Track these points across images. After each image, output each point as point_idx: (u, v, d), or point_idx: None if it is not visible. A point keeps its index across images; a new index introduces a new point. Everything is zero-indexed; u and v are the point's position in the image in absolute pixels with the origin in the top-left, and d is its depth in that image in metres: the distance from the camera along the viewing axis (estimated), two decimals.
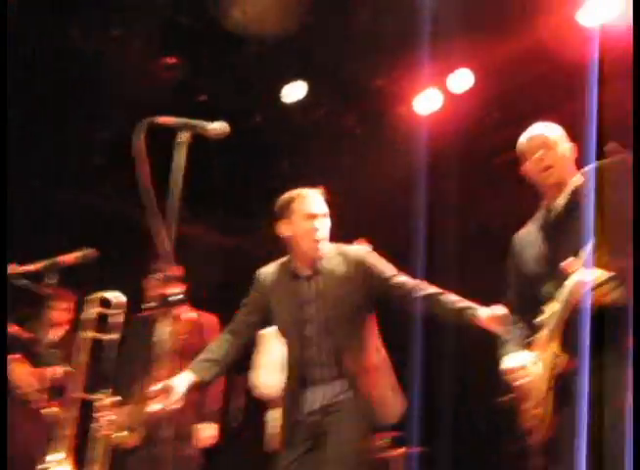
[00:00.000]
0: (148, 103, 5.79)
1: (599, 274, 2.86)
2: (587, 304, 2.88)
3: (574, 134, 3.47)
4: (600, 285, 2.87)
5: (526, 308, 3.31)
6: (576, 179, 3.28)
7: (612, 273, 2.72)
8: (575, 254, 3.05)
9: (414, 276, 3.78)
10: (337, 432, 3.54)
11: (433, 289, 3.65)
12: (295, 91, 6.77)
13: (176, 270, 5.22)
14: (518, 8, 5.68)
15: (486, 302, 3.46)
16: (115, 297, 4.40)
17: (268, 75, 6.56)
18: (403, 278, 3.73)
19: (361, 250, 3.86)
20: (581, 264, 2.94)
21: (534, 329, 3.24)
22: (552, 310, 3.13)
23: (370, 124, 7.20)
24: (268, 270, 3.91)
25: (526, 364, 3.21)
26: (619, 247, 1.25)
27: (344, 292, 3.65)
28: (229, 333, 3.92)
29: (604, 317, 2.91)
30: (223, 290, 7.12)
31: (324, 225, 3.73)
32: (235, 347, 3.87)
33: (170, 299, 2.82)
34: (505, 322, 3.31)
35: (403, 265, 3.85)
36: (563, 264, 3.04)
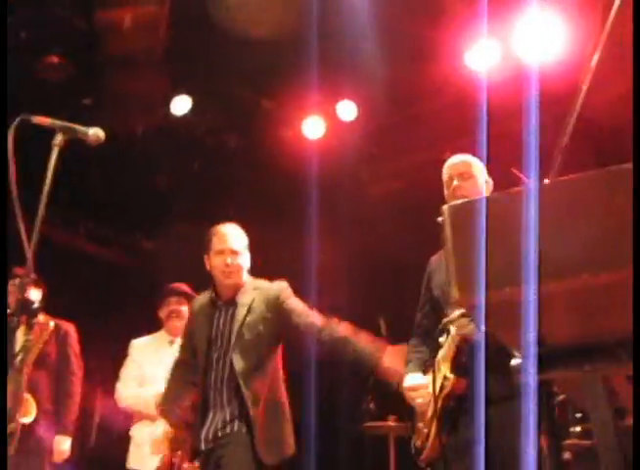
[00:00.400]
0: (29, 102, 5.61)
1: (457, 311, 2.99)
2: (479, 333, 2.97)
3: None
4: (452, 321, 3.01)
5: (432, 332, 3.36)
6: None
7: (462, 310, 2.84)
8: None
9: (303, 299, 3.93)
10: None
11: (341, 331, 3.72)
12: (180, 105, 6.67)
13: (32, 276, 5.05)
14: (410, 47, 5.83)
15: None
16: None
17: (154, 86, 6.44)
18: (314, 318, 3.82)
19: (277, 286, 4.00)
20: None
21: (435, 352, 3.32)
22: (449, 335, 3.20)
23: (257, 144, 7.20)
24: (199, 297, 4.13)
25: (424, 385, 3.30)
26: (467, 285, 1.31)
27: (253, 324, 3.82)
28: (182, 365, 4.08)
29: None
30: (90, 299, 6.92)
31: (235, 261, 3.90)
32: (190, 378, 4.00)
33: (25, 306, 2.68)
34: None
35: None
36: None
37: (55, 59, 5.97)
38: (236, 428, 3.68)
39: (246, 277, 3.96)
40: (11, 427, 3.29)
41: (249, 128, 7.07)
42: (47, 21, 5.69)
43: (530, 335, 1.34)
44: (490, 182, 3.50)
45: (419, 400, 3.29)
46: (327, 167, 6.65)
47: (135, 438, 4.94)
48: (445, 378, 3.16)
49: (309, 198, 6.41)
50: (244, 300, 3.88)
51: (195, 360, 4.00)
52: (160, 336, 5.20)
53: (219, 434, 3.70)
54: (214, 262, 3.91)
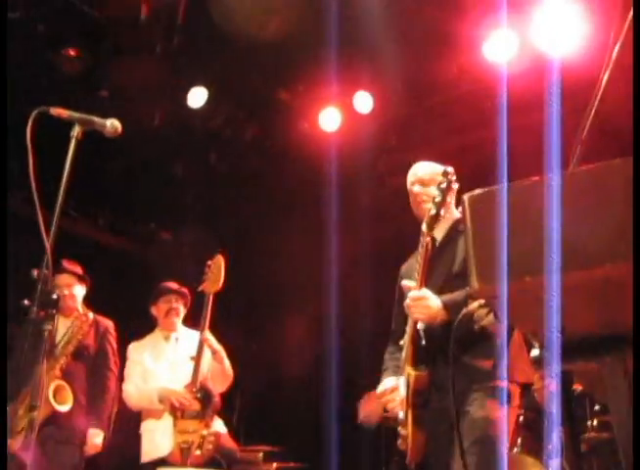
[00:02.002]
0: (46, 94, 5.63)
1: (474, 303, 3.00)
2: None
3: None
4: (471, 312, 3.02)
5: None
6: (454, 214, 3.47)
7: (481, 301, 2.85)
8: (443, 281, 3.28)
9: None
10: None
11: None
12: (197, 97, 6.66)
13: (73, 266, 5.12)
14: (427, 38, 5.80)
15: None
16: None
17: (172, 78, 6.43)
18: None
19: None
20: (417, 287, 3.21)
21: None
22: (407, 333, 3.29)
23: (273, 136, 7.19)
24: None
25: (392, 388, 3.35)
26: (487, 275, 1.30)
27: None
28: None
29: (470, 339, 3.06)
30: (111, 292, 6.94)
31: None
32: None
33: (44, 298, 2.70)
34: None
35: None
36: (402, 283, 3.34)
37: (72, 51, 5.97)
38: None
39: None
40: (33, 415, 3.30)
41: (265, 120, 7.06)
42: (64, 13, 5.69)
43: (554, 326, 1.32)
44: (455, 187, 3.49)
45: (390, 405, 3.35)
46: (344, 160, 6.64)
47: (145, 434, 4.98)
48: (409, 376, 3.22)
49: (327, 190, 6.41)
50: None
51: None
52: (155, 334, 5.27)
53: None
54: None
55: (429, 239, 3.32)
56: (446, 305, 3.16)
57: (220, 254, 5.02)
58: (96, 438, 4.94)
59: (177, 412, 4.75)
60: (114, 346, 5.22)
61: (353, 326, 6.02)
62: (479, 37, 5.82)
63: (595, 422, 4.13)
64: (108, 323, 5.24)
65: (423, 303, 3.18)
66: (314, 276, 6.35)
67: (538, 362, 1.44)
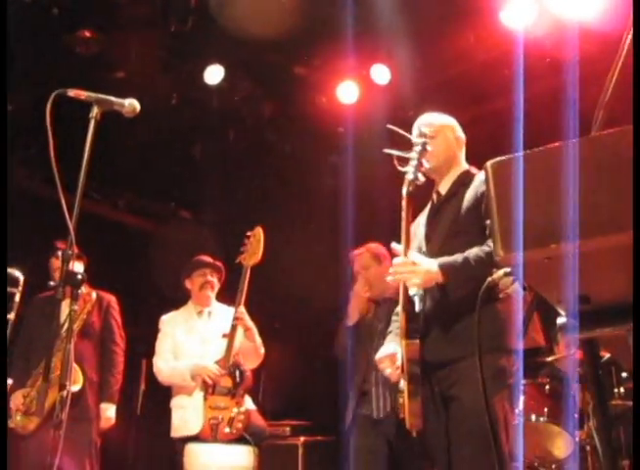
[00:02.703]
0: (61, 77, 5.63)
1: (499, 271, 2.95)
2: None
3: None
4: (496, 281, 2.97)
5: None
6: (460, 168, 3.40)
7: (506, 269, 2.79)
8: (444, 237, 3.19)
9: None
10: None
11: None
12: (213, 74, 6.64)
13: (74, 249, 5.11)
14: (443, 7, 5.73)
15: None
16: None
17: (186, 56, 6.41)
18: None
19: None
20: (403, 251, 3.09)
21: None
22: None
23: (291, 111, 7.16)
24: None
25: (390, 354, 3.29)
26: (511, 243, 1.29)
27: None
28: None
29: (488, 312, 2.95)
30: (128, 271, 6.99)
31: None
32: None
33: (70, 277, 2.72)
34: None
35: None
36: (391, 245, 3.21)
37: (87, 33, 5.96)
38: None
39: None
40: (63, 394, 3.35)
41: (283, 95, 7.02)
42: None
43: (576, 293, 1.31)
44: (462, 139, 3.45)
45: (387, 371, 3.29)
46: (362, 132, 6.60)
47: (175, 409, 5.00)
48: (402, 345, 3.16)
49: (345, 163, 6.38)
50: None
51: None
52: (188, 307, 5.25)
53: None
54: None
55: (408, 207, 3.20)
56: (443, 268, 3.04)
57: (260, 226, 4.91)
58: (108, 412, 5.01)
59: (209, 388, 4.75)
60: (119, 320, 5.24)
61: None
62: (496, 5, 5.74)
63: (622, 389, 4.12)
64: (110, 298, 5.25)
65: (409, 268, 3.07)
66: (333, 251, 6.35)
67: (564, 330, 1.43)
